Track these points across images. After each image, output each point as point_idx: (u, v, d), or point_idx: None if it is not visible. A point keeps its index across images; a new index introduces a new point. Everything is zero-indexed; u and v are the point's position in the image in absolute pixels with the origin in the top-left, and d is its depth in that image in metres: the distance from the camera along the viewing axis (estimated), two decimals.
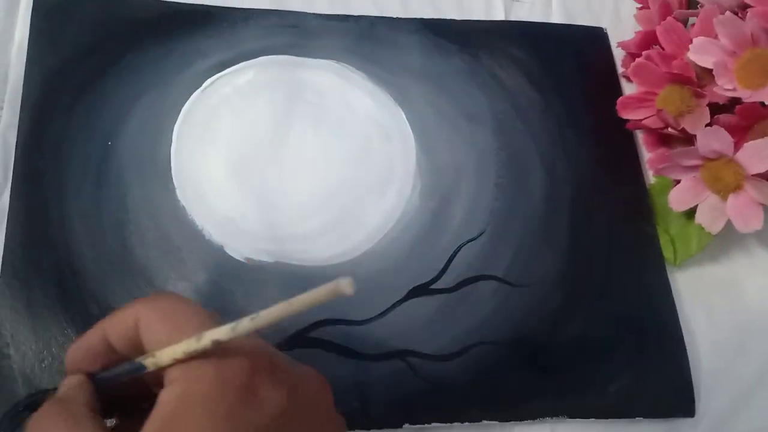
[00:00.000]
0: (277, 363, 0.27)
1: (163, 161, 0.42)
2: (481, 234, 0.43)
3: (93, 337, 0.28)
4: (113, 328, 0.28)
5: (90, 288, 0.38)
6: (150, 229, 0.40)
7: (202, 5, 0.46)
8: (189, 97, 0.43)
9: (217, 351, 0.25)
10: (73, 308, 0.37)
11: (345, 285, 0.23)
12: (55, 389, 0.29)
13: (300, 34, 0.47)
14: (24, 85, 0.41)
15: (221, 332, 0.25)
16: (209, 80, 0.44)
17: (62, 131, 0.41)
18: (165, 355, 0.26)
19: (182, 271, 0.39)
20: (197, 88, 0.44)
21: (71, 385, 0.28)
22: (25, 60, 0.42)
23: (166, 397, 0.25)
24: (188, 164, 0.42)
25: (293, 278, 0.40)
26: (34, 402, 0.29)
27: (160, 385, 0.26)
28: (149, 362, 0.26)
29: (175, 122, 0.43)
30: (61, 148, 0.41)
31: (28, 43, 0.42)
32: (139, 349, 0.27)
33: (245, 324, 0.25)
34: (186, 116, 0.43)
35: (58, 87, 0.42)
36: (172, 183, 0.41)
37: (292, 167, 0.43)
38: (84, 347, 0.28)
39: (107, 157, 0.41)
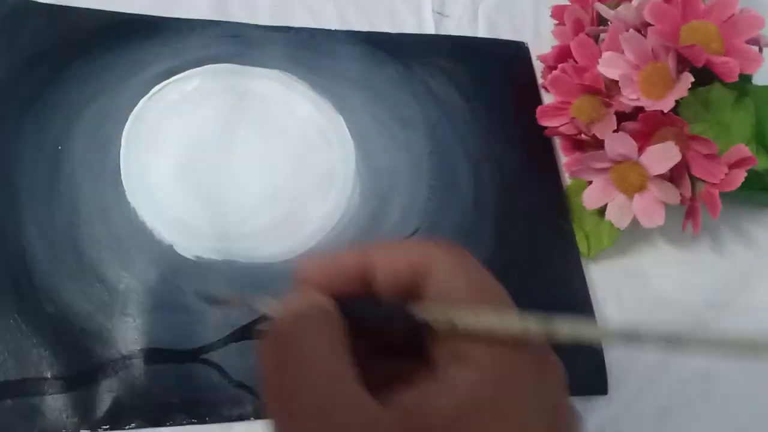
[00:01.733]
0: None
1: (113, 164, 0.43)
2: (415, 232, 0.46)
3: (350, 260, 0.24)
4: (387, 260, 0.23)
5: (45, 288, 0.39)
6: (101, 230, 0.41)
7: (148, 15, 0.48)
8: (137, 103, 0.45)
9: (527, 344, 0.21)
10: (27, 308, 0.38)
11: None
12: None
13: (243, 44, 0.49)
14: None
15: (586, 332, 0.21)
16: (156, 87, 0.46)
17: (13, 137, 0.42)
18: (478, 324, 0.21)
19: (133, 270, 0.41)
20: (145, 95, 0.46)
21: (329, 305, 0.23)
22: None
23: (471, 381, 0.21)
24: (137, 167, 0.44)
25: (241, 275, 0.42)
26: None
27: (435, 343, 0.22)
28: (442, 320, 0.22)
29: (123, 127, 0.45)
30: (12, 153, 0.42)
31: None
32: (405, 294, 0.23)
33: (565, 333, 0.21)
34: (135, 121, 0.45)
35: (8, 95, 0.43)
36: (122, 185, 0.43)
37: (239, 170, 0.45)
38: (336, 266, 0.24)
39: (58, 162, 0.42)
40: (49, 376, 0.37)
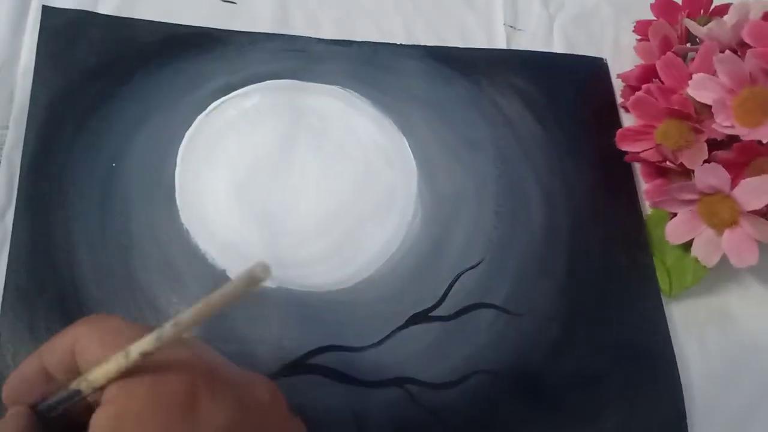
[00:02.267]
0: (220, 373, 0.26)
1: (168, 184, 0.42)
2: (480, 262, 0.43)
3: (29, 366, 0.27)
4: (50, 355, 0.26)
5: (93, 310, 0.38)
6: (153, 252, 0.40)
7: (209, 28, 0.47)
8: (194, 119, 0.44)
9: (154, 366, 0.24)
10: None
11: (260, 271, 0.22)
12: None
13: (305, 59, 0.47)
14: (30, 105, 0.41)
15: (146, 343, 0.24)
16: (214, 103, 0.44)
17: (67, 152, 0.41)
18: (98, 375, 0.24)
19: (185, 295, 0.39)
20: (202, 111, 0.44)
21: (11, 419, 0.26)
22: (31, 81, 0.42)
23: (98, 420, 0.24)
24: (192, 187, 0.42)
25: (295, 304, 0.40)
26: None
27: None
28: (84, 386, 0.25)
29: (179, 145, 0.43)
30: (65, 169, 0.41)
31: (35, 64, 0.43)
32: (77, 375, 0.26)
33: (168, 331, 0.24)
34: (191, 139, 0.43)
35: (64, 108, 0.42)
36: (176, 206, 0.41)
37: (295, 192, 0.43)
38: (20, 377, 0.27)
39: (112, 179, 0.41)
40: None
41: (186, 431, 0.24)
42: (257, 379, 0.29)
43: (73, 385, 0.25)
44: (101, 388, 0.25)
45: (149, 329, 0.25)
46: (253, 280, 0.22)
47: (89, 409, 0.25)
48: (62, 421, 0.26)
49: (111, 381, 0.24)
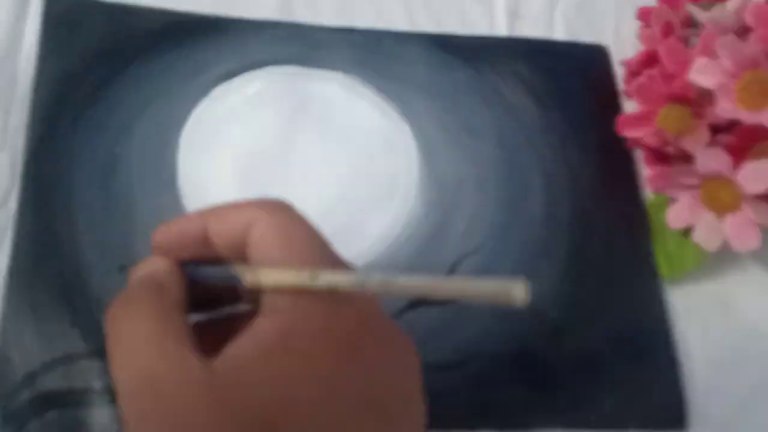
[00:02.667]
0: (386, 323, 0.25)
1: (170, 168, 0.42)
2: (481, 247, 0.43)
3: (191, 224, 0.26)
4: (219, 223, 0.25)
5: (96, 293, 0.38)
6: None
7: (210, 15, 0.47)
8: (196, 105, 0.44)
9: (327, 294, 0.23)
10: (78, 314, 0.37)
11: (519, 292, 0.21)
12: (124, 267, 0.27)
13: (307, 46, 0.47)
14: (33, 92, 0.42)
15: (344, 282, 0.23)
16: (217, 89, 0.45)
17: (70, 138, 0.41)
18: (270, 277, 0.23)
19: None
20: (205, 97, 0.44)
21: (163, 271, 0.25)
22: (33, 67, 0.42)
23: (266, 327, 0.23)
24: (195, 171, 0.42)
25: None
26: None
27: (255, 301, 0.24)
28: (250, 278, 0.24)
29: (182, 130, 0.43)
30: (68, 154, 0.41)
31: (38, 50, 0.43)
32: (239, 253, 0.25)
33: (374, 282, 0.23)
34: (193, 125, 0.43)
35: (67, 94, 0.42)
36: (179, 191, 0.42)
37: (298, 177, 0.43)
38: (179, 232, 0.26)
39: (115, 164, 0.41)
40: (97, 387, 0.36)
41: (348, 372, 0.23)
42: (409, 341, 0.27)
43: (239, 271, 0.24)
44: (262, 290, 0.24)
45: (324, 240, 0.25)
46: (506, 296, 0.21)
47: (231, 294, 0.25)
48: (196, 289, 0.26)
49: (279, 291, 0.23)
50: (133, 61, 0.44)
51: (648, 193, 0.47)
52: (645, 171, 0.48)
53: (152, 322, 0.23)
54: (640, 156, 0.48)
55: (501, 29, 0.51)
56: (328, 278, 0.22)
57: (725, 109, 0.40)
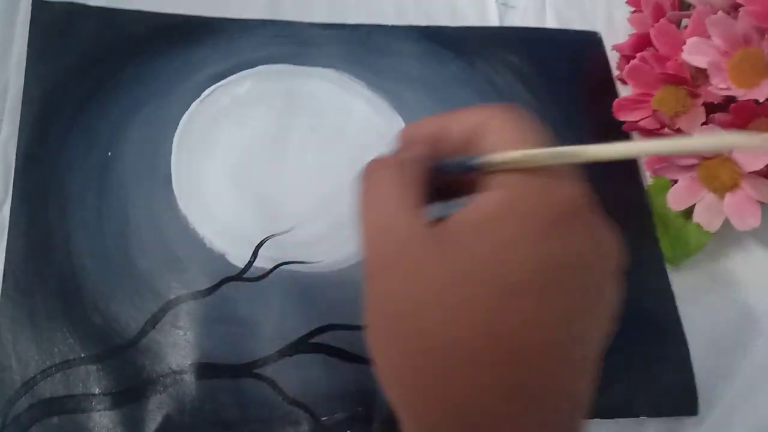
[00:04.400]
0: (595, 209, 0.27)
1: (164, 171, 0.42)
2: None
3: (434, 123, 0.28)
4: (459, 122, 0.28)
5: (92, 298, 0.38)
6: (151, 238, 0.40)
7: (200, 17, 0.47)
8: (188, 107, 0.44)
9: (549, 173, 0.25)
10: (75, 318, 0.37)
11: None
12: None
13: (298, 44, 0.47)
14: (24, 97, 0.42)
15: (563, 155, 0.25)
16: (208, 90, 0.44)
17: (62, 143, 0.41)
18: (499, 157, 0.25)
19: (184, 280, 0.39)
20: (196, 99, 0.44)
21: (415, 152, 0.28)
22: (24, 73, 0.42)
23: (486, 198, 0.25)
24: (188, 173, 0.42)
25: (295, 284, 0.40)
26: None
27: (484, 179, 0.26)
28: (483, 159, 0.26)
29: (174, 132, 0.43)
30: (61, 159, 0.41)
31: (27, 56, 0.43)
32: (475, 148, 0.27)
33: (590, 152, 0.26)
34: (186, 126, 0.43)
35: (58, 99, 0.42)
36: (173, 192, 0.41)
37: (292, 174, 0.43)
38: (424, 130, 0.28)
39: (108, 168, 0.41)
40: (96, 392, 0.36)
41: (556, 246, 0.24)
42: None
43: (482, 157, 0.26)
44: (494, 169, 0.26)
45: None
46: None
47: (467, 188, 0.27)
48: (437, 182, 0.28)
49: (507, 167, 0.25)
50: (125, 64, 0.44)
51: (647, 177, 0.47)
52: (644, 156, 0.47)
53: (394, 186, 0.26)
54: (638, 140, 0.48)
55: (492, 20, 0.51)
56: (544, 153, 0.25)
57: (719, 87, 0.40)
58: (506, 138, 0.26)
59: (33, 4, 0.44)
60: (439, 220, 0.25)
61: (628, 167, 0.47)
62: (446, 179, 0.28)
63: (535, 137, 0.26)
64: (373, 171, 0.28)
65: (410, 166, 0.27)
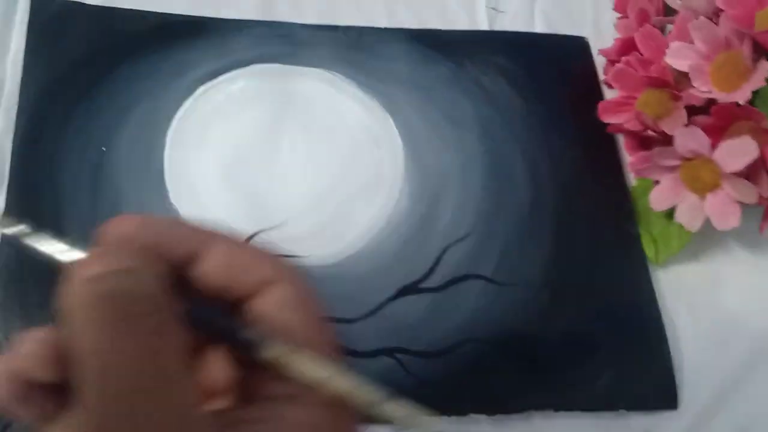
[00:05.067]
0: None
1: (157, 167, 0.42)
2: (468, 235, 0.44)
3: (186, 233, 0.21)
4: (227, 257, 0.21)
5: None
6: None
7: (194, 16, 0.47)
8: (182, 104, 0.44)
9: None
10: None
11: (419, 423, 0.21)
12: None
13: (290, 44, 0.48)
14: (20, 94, 0.42)
15: (367, 394, 0.21)
16: (201, 88, 0.45)
17: (58, 139, 0.42)
18: (310, 370, 0.20)
19: None
20: (190, 96, 0.45)
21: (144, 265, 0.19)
22: (21, 70, 0.43)
23: (301, 419, 0.20)
24: (181, 169, 0.43)
25: None
26: None
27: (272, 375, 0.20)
28: (272, 353, 0.20)
29: (168, 129, 0.44)
30: (56, 154, 0.41)
31: (25, 52, 0.43)
32: (227, 295, 0.21)
33: (389, 410, 0.21)
34: (179, 123, 0.44)
35: (54, 96, 0.43)
36: (166, 188, 0.42)
37: (284, 172, 0.44)
38: (158, 231, 0.21)
39: (102, 164, 0.42)
40: None
41: None
42: None
43: (272, 345, 0.20)
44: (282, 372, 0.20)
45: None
46: (407, 423, 0.21)
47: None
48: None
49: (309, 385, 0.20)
50: (119, 62, 0.45)
51: (631, 178, 0.48)
52: (628, 157, 0.48)
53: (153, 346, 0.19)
54: (622, 142, 0.49)
55: (482, 24, 0.52)
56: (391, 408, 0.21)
57: (701, 90, 0.41)
58: (292, 321, 0.21)
59: (31, 2, 0.45)
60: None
61: (613, 168, 0.48)
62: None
63: (318, 328, 0.21)
64: (117, 317, 0.18)
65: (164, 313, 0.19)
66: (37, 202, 0.40)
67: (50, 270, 0.38)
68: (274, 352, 0.20)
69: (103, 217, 0.39)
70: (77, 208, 0.41)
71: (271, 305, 0.21)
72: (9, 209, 0.40)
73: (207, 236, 0.21)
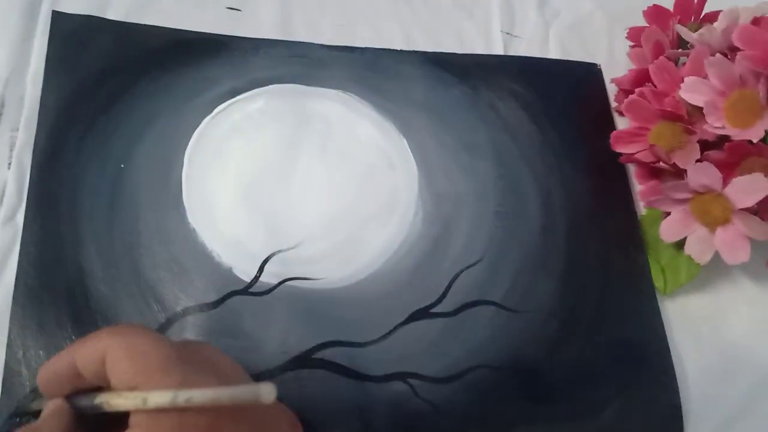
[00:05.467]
0: (243, 407, 0.28)
1: (175, 185, 0.43)
2: (480, 260, 0.44)
3: (62, 362, 0.29)
4: (82, 358, 0.28)
5: (101, 308, 0.39)
6: (161, 251, 0.41)
7: (214, 34, 0.48)
8: (200, 122, 0.45)
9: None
10: (83, 327, 0.38)
11: (266, 393, 0.25)
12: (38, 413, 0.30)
13: (308, 64, 0.48)
14: (40, 109, 0.42)
15: (161, 398, 0.26)
16: (220, 107, 0.46)
17: (76, 154, 0.42)
18: (119, 403, 0.27)
19: (191, 292, 0.40)
20: (208, 115, 0.45)
21: (49, 412, 0.29)
22: (41, 84, 0.43)
23: None
24: (199, 188, 0.43)
25: (299, 300, 0.41)
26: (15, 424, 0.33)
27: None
28: (105, 404, 0.28)
29: (186, 147, 0.44)
30: (75, 170, 0.42)
31: (45, 68, 0.44)
32: (106, 380, 0.28)
33: (181, 398, 0.26)
34: (197, 141, 0.44)
35: (73, 112, 0.43)
36: (183, 206, 0.42)
37: (299, 192, 0.44)
38: (52, 371, 0.29)
39: (120, 180, 0.42)
40: (103, 398, 0.36)
41: None
42: (279, 408, 0.31)
43: (97, 401, 0.28)
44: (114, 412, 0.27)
45: (170, 349, 0.27)
46: (257, 398, 0.26)
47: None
48: (94, 416, 0.29)
49: (143, 412, 0.26)
50: (138, 78, 0.45)
51: (641, 207, 0.48)
52: (638, 186, 0.49)
53: None
54: (633, 171, 0.49)
55: (497, 48, 0.53)
56: (151, 399, 0.26)
57: (714, 126, 0.42)
58: (128, 372, 0.27)
59: (52, 17, 0.45)
60: None
61: (623, 197, 0.49)
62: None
63: (148, 361, 0.27)
64: None
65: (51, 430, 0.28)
66: (55, 215, 0.40)
67: (68, 295, 0.38)
68: (97, 399, 0.28)
69: (120, 233, 0.40)
70: (95, 222, 0.41)
71: (109, 371, 0.27)
72: (28, 224, 0.40)
73: (72, 351, 0.29)
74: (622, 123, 0.51)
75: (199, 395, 0.26)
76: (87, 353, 0.28)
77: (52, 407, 0.29)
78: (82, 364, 0.28)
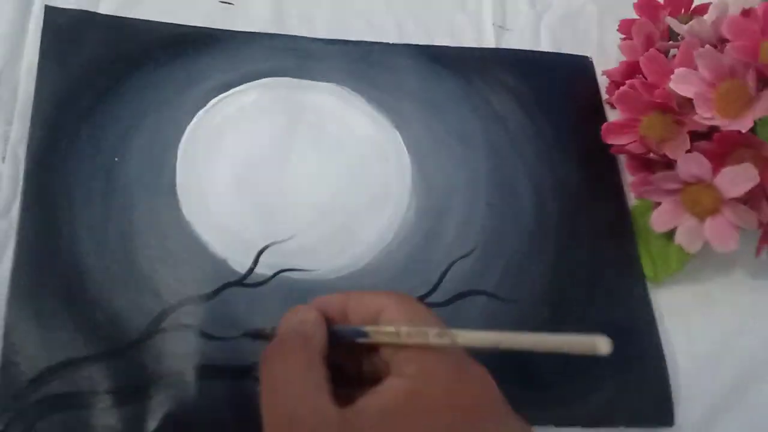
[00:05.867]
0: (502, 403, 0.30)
1: (169, 177, 0.43)
2: (472, 251, 0.45)
3: (335, 300, 0.32)
4: (356, 305, 0.31)
5: (97, 299, 0.39)
6: (155, 242, 0.41)
7: (207, 28, 0.48)
8: (194, 115, 0.45)
9: (449, 361, 0.28)
10: (80, 319, 0.38)
11: (603, 345, 0.26)
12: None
13: (301, 57, 0.48)
14: (34, 102, 0.42)
15: (441, 338, 0.28)
16: (214, 100, 0.46)
17: (71, 147, 0.42)
18: (411, 336, 0.28)
19: (187, 284, 0.40)
20: (202, 108, 0.45)
21: (312, 321, 0.30)
22: (34, 78, 0.43)
23: (395, 387, 0.27)
24: (193, 180, 0.43)
25: (293, 291, 0.41)
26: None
27: (385, 369, 0.28)
28: (373, 333, 0.29)
29: (180, 140, 0.44)
30: (69, 163, 0.42)
31: (38, 61, 0.44)
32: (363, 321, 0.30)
33: (491, 339, 0.28)
34: (191, 134, 0.45)
35: (67, 104, 0.43)
36: (177, 198, 0.42)
37: (293, 184, 0.45)
38: (325, 302, 0.32)
39: (114, 173, 0.42)
40: (100, 390, 0.37)
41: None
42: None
43: (366, 328, 0.30)
44: (382, 344, 0.29)
45: (440, 321, 0.30)
46: (590, 347, 0.26)
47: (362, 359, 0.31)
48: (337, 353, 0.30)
49: (412, 355, 0.28)
50: (133, 72, 0.45)
51: (632, 198, 0.49)
52: (629, 177, 0.49)
53: (298, 368, 0.28)
54: (624, 162, 0.50)
55: (489, 41, 0.53)
56: (432, 336, 0.28)
57: (704, 117, 0.42)
58: (399, 318, 0.29)
59: (45, 11, 0.45)
60: (347, 400, 0.27)
61: (614, 188, 0.49)
62: (352, 365, 0.31)
63: (425, 319, 0.29)
64: (275, 352, 0.30)
65: (313, 341, 0.29)
66: (51, 207, 0.41)
67: (64, 287, 0.39)
68: (368, 328, 0.30)
69: (115, 226, 0.41)
70: (89, 214, 0.41)
71: (386, 322, 0.30)
72: (24, 217, 0.40)
73: (346, 298, 0.32)
74: (613, 114, 0.51)
75: (522, 339, 0.28)
76: (365, 302, 0.31)
77: (314, 317, 0.31)
78: (354, 310, 0.31)
